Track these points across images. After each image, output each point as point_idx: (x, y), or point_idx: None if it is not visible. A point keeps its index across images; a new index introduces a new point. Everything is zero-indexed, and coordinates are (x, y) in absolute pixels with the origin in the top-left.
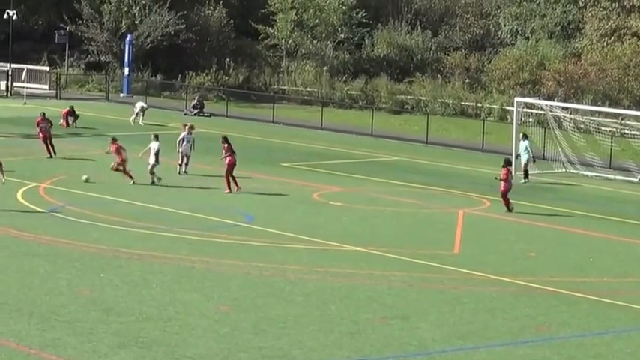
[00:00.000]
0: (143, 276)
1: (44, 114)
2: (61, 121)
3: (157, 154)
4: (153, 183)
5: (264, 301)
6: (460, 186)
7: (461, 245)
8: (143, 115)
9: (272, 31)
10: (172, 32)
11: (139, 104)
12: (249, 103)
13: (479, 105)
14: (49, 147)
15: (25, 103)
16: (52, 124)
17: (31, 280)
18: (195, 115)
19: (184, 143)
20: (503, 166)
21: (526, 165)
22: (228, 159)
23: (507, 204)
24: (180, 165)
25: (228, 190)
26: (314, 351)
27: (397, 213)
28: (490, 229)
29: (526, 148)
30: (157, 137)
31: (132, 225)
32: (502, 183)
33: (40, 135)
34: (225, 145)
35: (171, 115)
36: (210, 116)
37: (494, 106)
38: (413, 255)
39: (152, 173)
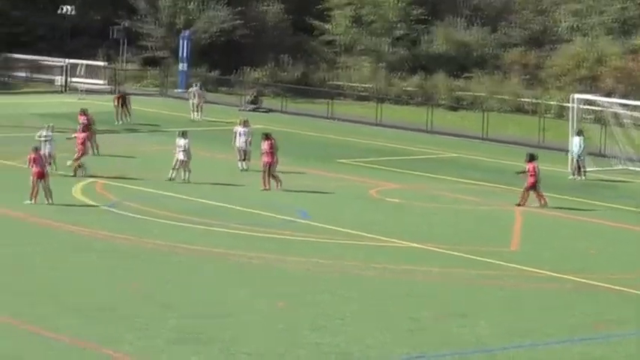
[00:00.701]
0: (200, 272)
1: (85, 110)
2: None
3: (185, 151)
4: (174, 178)
5: (322, 297)
6: (519, 183)
7: (519, 242)
8: (201, 111)
9: (329, 27)
10: (229, 28)
11: (192, 91)
12: (306, 99)
13: (537, 101)
14: (91, 144)
15: (80, 98)
16: (93, 122)
17: (88, 276)
18: (251, 110)
19: (241, 138)
20: (528, 161)
21: (578, 161)
22: (267, 156)
23: (524, 200)
24: (241, 160)
25: (265, 187)
26: (372, 348)
27: (455, 210)
28: (549, 226)
29: (579, 144)
30: (184, 134)
31: (189, 221)
32: (529, 177)
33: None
34: (268, 142)
35: (227, 111)
36: (268, 112)
37: (552, 103)
38: (471, 252)
39: (176, 169)
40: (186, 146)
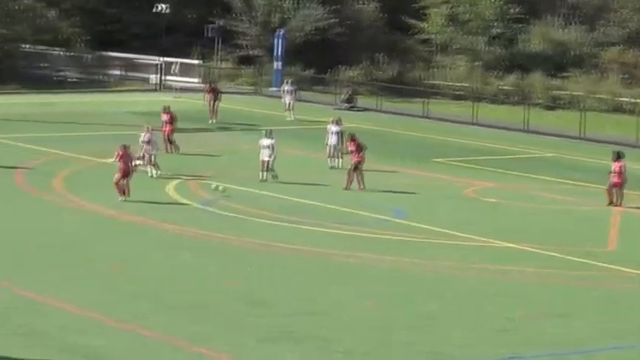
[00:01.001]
0: (293, 270)
1: (168, 107)
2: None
3: (270, 147)
4: (266, 179)
5: (417, 297)
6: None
7: (616, 243)
8: (293, 109)
9: (424, 26)
10: (324, 26)
11: (286, 89)
12: (402, 97)
13: (635, 101)
14: (169, 142)
15: (175, 96)
16: (175, 119)
17: (181, 274)
18: (346, 109)
19: (333, 136)
20: (615, 160)
21: None
22: (356, 157)
23: (611, 199)
24: (331, 157)
25: (346, 186)
26: (466, 348)
27: (552, 210)
28: None
29: None
30: (269, 133)
31: (283, 219)
32: (615, 175)
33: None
34: (354, 143)
35: (322, 110)
36: (362, 110)
37: None
38: (568, 252)
39: (266, 170)
40: (272, 146)
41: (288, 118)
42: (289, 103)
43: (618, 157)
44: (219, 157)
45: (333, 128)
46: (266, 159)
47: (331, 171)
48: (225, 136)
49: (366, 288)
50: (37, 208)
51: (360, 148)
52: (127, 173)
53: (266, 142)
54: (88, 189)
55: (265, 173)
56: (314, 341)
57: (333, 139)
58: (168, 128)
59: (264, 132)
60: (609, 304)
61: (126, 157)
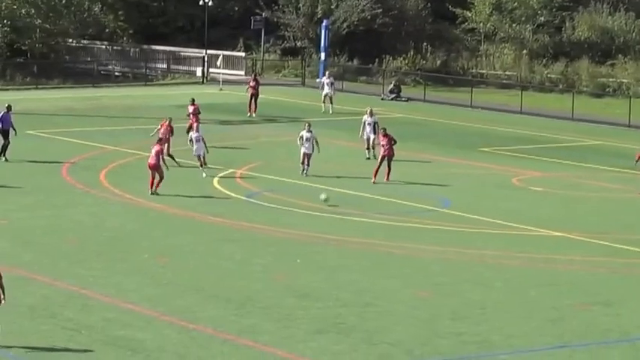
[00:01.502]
0: (339, 262)
1: (193, 100)
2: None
3: (310, 144)
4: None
5: (464, 286)
6: None
7: None
8: (332, 102)
9: (470, 15)
10: (369, 17)
11: (324, 81)
12: (447, 87)
13: None
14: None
15: (220, 89)
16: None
17: (228, 266)
18: (392, 99)
19: (367, 127)
20: None
21: None
22: (386, 150)
23: None
24: (367, 149)
25: (373, 180)
26: (514, 337)
27: (600, 198)
28: None
29: None
30: (309, 126)
31: (327, 210)
32: None
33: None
34: (386, 138)
35: (368, 100)
36: (407, 100)
37: None
38: (616, 241)
39: (307, 164)
40: (311, 139)
41: (324, 111)
42: (328, 96)
43: None
44: (266, 149)
45: (368, 119)
46: (305, 152)
47: (370, 162)
48: (271, 128)
49: (412, 278)
50: (83, 202)
51: (391, 142)
52: (153, 167)
53: (306, 135)
54: (134, 182)
55: (306, 167)
56: (361, 333)
57: (367, 131)
58: (194, 120)
59: (304, 125)
60: None
61: (158, 151)
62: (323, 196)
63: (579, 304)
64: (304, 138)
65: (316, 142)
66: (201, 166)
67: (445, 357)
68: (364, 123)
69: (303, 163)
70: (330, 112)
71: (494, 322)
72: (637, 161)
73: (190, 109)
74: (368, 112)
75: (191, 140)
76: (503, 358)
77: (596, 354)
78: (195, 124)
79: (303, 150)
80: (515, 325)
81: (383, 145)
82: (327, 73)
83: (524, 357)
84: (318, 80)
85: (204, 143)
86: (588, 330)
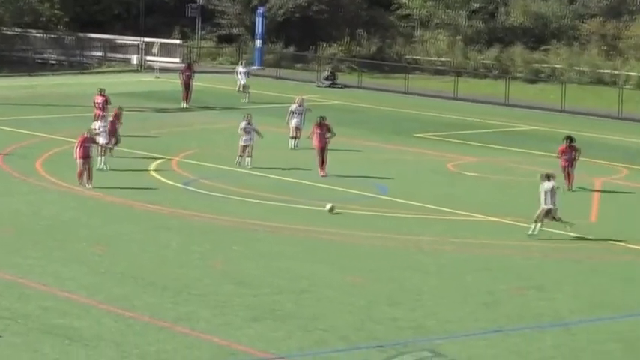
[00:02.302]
0: (276, 249)
1: (102, 90)
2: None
3: (251, 132)
4: (247, 165)
5: (400, 272)
6: (598, 155)
7: (598, 214)
8: (249, 92)
9: (405, 1)
10: (304, 4)
11: (240, 70)
12: (382, 73)
13: (616, 73)
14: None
15: (157, 77)
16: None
17: (165, 254)
18: (328, 86)
19: (295, 116)
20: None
21: None
22: (319, 141)
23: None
24: (292, 138)
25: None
26: (449, 322)
27: (534, 183)
28: (627, 198)
29: None
30: (248, 118)
31: (265, 197)
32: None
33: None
34: (320, 127)
35: (303, 87)
36: (343, 87)
37: (632, 74)
38: (549, 225)
39: (240, 155)
40: (251, 131)
41: (243, 100)
42: (243, 85)
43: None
44: (201, 136)
45: (297, 108)
46: (243, 144)
47: (299, 152)
48: (205, 115)
49: (349, 265)
50: (20, 191)
51: (325, 132)
52: (83, 156)
53: (246, 126)
54: (71, 171)
55: (246, 159)
56: (297, 319)
57: (295, 120)
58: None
59: (245, 116)
60: (591, 276)
61: (84, 141)
62: (328, 207)
63: (514, 288)
64: (244, 130)
65: (257, 132)
66: (103, 155)
67: (381, 342)
68: (290, 111)
69: (241, 155)
70: (247, 100)
71: (429, 307)
72: (558, 157)
73: (99, 99)
74: (297, 100)
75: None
76: (438, 343)
77: (529, 338)
78: (101, 114)
79: (241, 142)
80: (451, 310)
81: (318, 135)
82: (242, 62)
83: (460, 342)
84: (255, 67)
85: (111, 134)
86: (522, 314)
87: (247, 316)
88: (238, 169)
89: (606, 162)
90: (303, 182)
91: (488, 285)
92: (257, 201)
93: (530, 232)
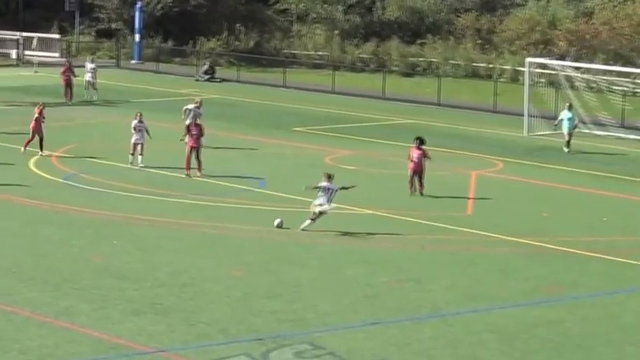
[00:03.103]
0: (157, 243)
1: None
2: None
3: (142, 130)
4: (140, 163)
5: (278, 265)
6: (473, 147)
7: (474, 207)
8: (95, 87)
9: None
10: None
11: (88, 66)
12: (261, 68)
13: (491, 66)
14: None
15: (35, 71)
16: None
17: (45, 248)
18: (206, 80)
19: (190, 115)
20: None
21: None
22: (194, 141)
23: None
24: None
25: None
26: (328, 315)
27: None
28: (503, 191)
29: (569, 119)
30: (139, 115)
31: (145, 192)
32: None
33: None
34: (197, 126)
35: (182, 81)
36: (221, 81)
37: (506, 67)
38: (426, 217)
39: (132, 153)
40: (142, 129)
41: (87, 98)
42: (90, 82)
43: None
44: (82, 131)
45: (193, 108)
46: (137, 142)
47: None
48: (86, 110)
49: (229, 258)
50: None
51: (200, 132)
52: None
53: (137, 124)
54: None
55: (138, 157)
56: (178, 313)
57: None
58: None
59: (136, 115)
60: (467, 268)
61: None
62: (277, 221)
63: (392, 281)
64: (135, 128)
65: (147, 131)
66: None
67: (260, 335)
68: (186, 110)
69: (133, 153)
70: (96, 98)
71: (308, 300)
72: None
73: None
74: (197, 100)
75: None
76: (317, 336)
77: (408, 330)
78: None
79: (132, 140)
80: (330, 302)
81: (192, 135)
82: (90, 58)
83: (339, 334)
84: (134, 61)
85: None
86: (401, 306)
87: (128, 310)
88: (117, 164)
89: (482, 155)
90: (182, 176)
91: (367, 278)
92: (137, 195)
93: (303, 226)
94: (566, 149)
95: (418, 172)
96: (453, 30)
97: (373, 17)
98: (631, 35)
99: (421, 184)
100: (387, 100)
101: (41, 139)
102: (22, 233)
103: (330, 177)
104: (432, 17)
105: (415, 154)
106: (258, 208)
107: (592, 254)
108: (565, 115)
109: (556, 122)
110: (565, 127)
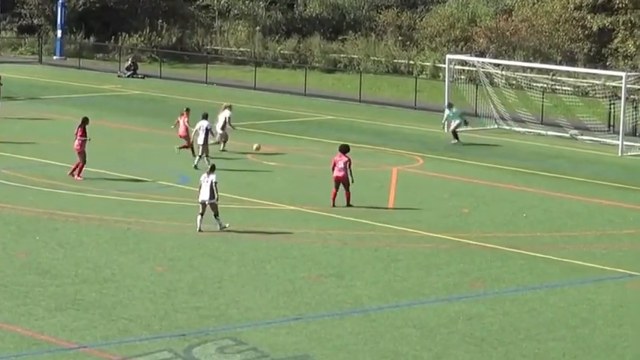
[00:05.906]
0: (79, 238)
1: None
2: None
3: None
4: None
5: (200, 261)
6: (393, 144)
7: (395, 203)
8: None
9: None
10: None
11: None
12: (183, 63)
13: (411, 63)
14: None
15: None
16: None
17: None
18: (128, 76)
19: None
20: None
21: (455, 127)
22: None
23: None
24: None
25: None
26: (250, 310)
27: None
28: (424, 186)
29: (451, 115)
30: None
31: (66, 187)
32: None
33: None
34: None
35: (105, 77)
36: (143, 77)
37: (427, 64)
38: (348, 213)
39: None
40: (207, 127)
41: None
42: None
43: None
44: (2, 127)
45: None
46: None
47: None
48: (8, 105)
49: (150, 254)
50: None
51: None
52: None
53: (204, 124)
54: None
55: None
56: (101, 308)
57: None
58: None
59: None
60: (389, 263)
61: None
62: (255, 146)
63: (314, 276)
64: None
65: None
66: None
67: (183, 331)
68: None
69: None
70: None
71: (231, 295)
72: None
73: None
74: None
75: None
76: (240, 331)
77: (330, 325)
78: None
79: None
80: (252, 298)
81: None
82: None
83: (261, 329)
84: (56, 57)
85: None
86: (322, 301)
87: (50, 305)
88: (39, 159)
89: (402, 151)
90: (103, 172)
91: (288, 273)
92: (58, 191)
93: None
94: (453, 142)
95: (343, 181)
96: (374, 26)
97: (295, 14)
98: (550, 32)
99: (347, 194)
100: (308, 97)
101: None
102: None
103: (212, 169)
104: (353, 14)
105: (340, 162)
106: (180, 204)
107: (513, 250)
108: (446, 113)
109: (442, 121)
110: (453, 123)
